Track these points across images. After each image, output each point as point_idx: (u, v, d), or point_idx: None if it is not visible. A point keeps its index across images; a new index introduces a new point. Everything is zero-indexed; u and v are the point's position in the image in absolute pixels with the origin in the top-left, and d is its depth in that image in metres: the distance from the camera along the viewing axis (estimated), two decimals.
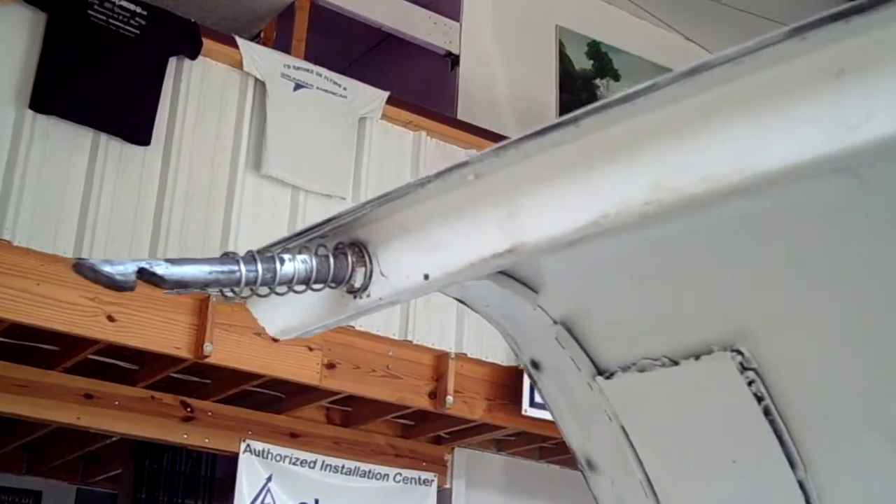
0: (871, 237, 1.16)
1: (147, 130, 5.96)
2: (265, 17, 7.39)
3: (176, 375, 6.41)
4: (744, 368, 1.31)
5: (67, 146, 5.81)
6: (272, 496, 6.86)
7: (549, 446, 7.79)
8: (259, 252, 1.01)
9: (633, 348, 1.39)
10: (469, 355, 6.82)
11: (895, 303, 1.22)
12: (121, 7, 5.99)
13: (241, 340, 5.99)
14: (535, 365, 1.50)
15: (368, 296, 1.07)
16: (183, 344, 5.86)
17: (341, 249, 1.08)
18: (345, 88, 6.65)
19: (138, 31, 6.01)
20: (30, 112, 5.68)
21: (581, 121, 0.85)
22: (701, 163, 0.83)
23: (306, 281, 1.03)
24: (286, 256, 1.04)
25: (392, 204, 1.01)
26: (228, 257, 1.01)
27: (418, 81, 8.39)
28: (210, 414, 6.86)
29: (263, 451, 6.96)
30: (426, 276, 1.03)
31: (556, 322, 1.43)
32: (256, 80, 6.41)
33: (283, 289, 1.03)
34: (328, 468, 7.14)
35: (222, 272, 0.98)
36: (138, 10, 6.03)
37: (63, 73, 5.81)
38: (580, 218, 0.90)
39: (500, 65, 8.91)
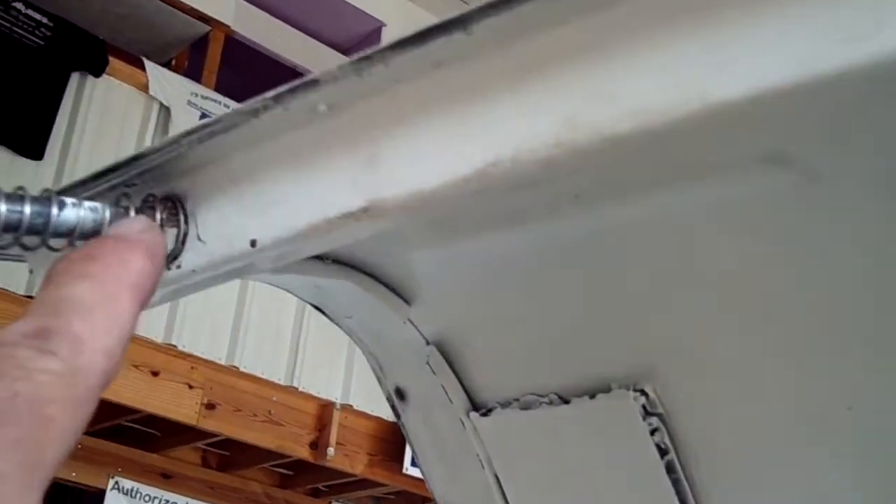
0: (815, 255, 0.91)
1: (41, 144, 5.58)
2: (178, 45, 7.06)
3: None
4: (647, 413, 1.04)
5: None
6: None
7: None
8: (29, 191, 0.73)
9: (518, 380, 1.12)
10: (355, 407, 6.51)
11: (834, 345, 0.97)
12: (27, 16, 5.63)
13: None
14: (400, 394, 1.22)
15: (178, 267, 0.79)
16: None
17: (150, 203, 0.79)
18: None
19: (42, 42, 5.65)
20: None
21: (473, 25, 0.59)
22: (632, 90, 0.57)
23: (92, 235, 0.74)
24: (69, 200, 0.75)
25: (217, 144, 0.74)
26: None
27: None
28: (79, 447, 6.40)
29: (132, 489, 6.54)
30: (253, 243, 0.75)
31: (429, 342, 1.15)
32: (161, 104, 6.09)
33: (60, 242, 0.74)
34: None
35: None
36: (45, 20, 5.68)
37: None
38: (463, 166, 0.63)
39: None
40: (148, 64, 6.14)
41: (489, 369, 1.14)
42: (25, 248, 0.74)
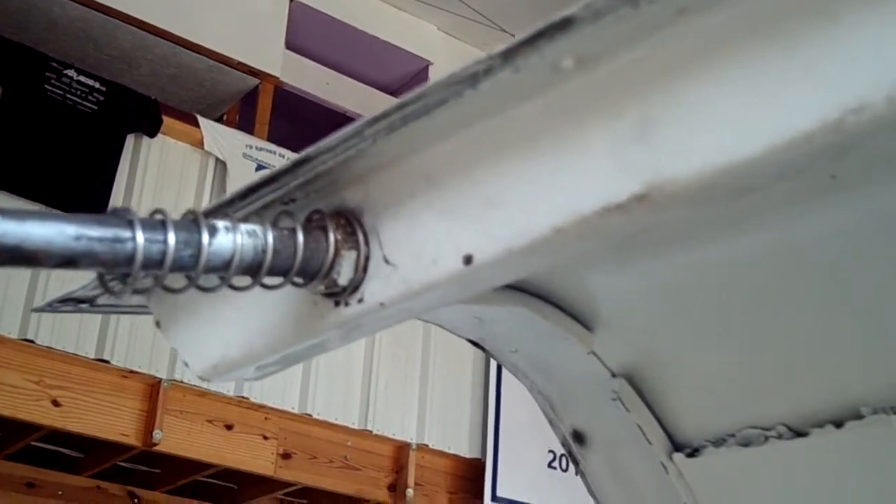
0: None
1: (101, 208, 5.45)
2: (228, 100, 6.94)
3: (123, 464, 5.83)
4: None
5: None
6: None
7: None
8: (170, 216, 0.53)
9: (732, 413, 0.90)
10: (431, 446, 6.31)
11: None
12: (79, 82, 5.52)
13: (192, 428, 5.52)
14: (579, 438, 1.00)
15: (360, 300, 0.57)
16: (131, 431, 5.36)
17: (318, 221, 0.59)
18: None
19: (96, 107, 5.54)
20: None
21: None
22: None
23: (253, 269, 0.54)
24: (221, 224, 0.54)
25: (409, 134, 0.53)
26: (118, 216, 0.52)
27: None
28: None
29: None
30: (468, 259, 0.54)
31: (615, 375, 0.94)
32: (217, 159, 5.95)
33: (213, 280, 0.54)
34: None
35: (101, 239, 0.49)
36: (97, 85, 5.57)
37: (16, 148, 5.31)
38: (803, 117, 0.42)
39: None
40: (201, 120, 6.01)
41: (693, 402, 0.92)
42: (169, 290, 0.54)
